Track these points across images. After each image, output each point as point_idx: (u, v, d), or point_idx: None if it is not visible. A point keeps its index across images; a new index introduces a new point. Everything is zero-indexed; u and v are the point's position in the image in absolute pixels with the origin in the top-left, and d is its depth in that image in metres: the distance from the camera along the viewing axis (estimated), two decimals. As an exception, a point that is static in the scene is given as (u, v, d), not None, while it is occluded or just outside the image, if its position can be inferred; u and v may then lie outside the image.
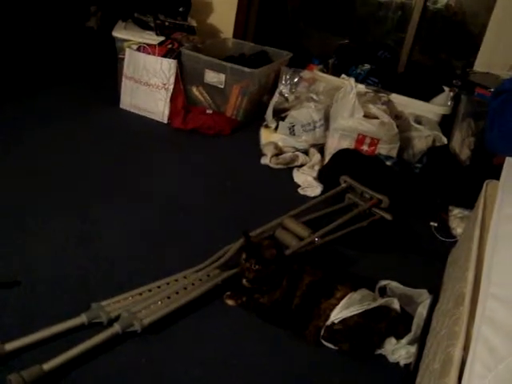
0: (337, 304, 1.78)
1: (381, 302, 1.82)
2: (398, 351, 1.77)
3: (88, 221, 2.25)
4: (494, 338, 0.92)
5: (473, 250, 1.33)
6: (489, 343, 0.92)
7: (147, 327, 1.68)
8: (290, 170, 2.92)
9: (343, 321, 1.75)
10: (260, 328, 1.83)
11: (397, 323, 1.80)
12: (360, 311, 1.76)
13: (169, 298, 1.81)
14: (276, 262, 1.81)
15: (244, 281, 1.81)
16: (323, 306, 1.80)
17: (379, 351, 1.79)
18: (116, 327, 1.64)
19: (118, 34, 3.40)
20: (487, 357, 0.89)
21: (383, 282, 2.02)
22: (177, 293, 1.84)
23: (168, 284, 1.89)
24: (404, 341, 1.77)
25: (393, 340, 1.78)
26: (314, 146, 3.05)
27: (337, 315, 1.76)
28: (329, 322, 1.77)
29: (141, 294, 1.82)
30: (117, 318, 1.69)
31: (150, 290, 1.85)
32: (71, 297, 1.81)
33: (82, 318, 1.67)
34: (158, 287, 1.87)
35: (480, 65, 3.50)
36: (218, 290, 1.91)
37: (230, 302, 1.90)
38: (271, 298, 1.82)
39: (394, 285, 2.02)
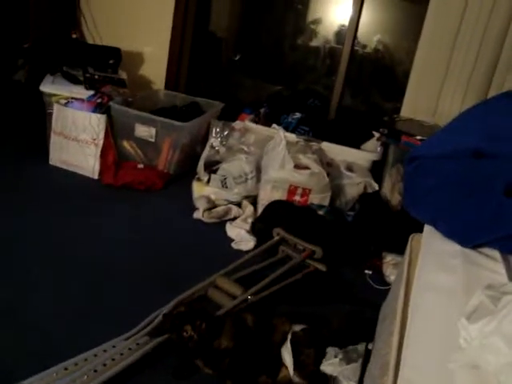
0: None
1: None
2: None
3: (2, 289, 2.14)
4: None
5: (397, 314, 1.32)
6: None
7: (72, 406, 1.60)
8: (224, 223, 2.90)
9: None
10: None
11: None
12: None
13: (95, 371, 1.72)
14: None
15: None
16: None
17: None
18: (37, 410, 1.55)
19: (45, 88, 3.34)
20: None
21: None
22: (104, 365, 1.76)
23: (96, 356, 1.80)
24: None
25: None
26: (246, 198, 3.05)
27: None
28: None
29: (66, 368, 1.73)
30: (40, 399, 1.60)
31: (76, 364, 1.75)
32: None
33: (1, 402, 1.58)
34: (85, 360, 1.78)
35: (406, 110, 3.60)
36: (148, 359, 1.84)
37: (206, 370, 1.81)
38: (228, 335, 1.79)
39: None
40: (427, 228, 1.52)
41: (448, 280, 1.18)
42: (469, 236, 1.36)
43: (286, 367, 1.79)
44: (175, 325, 1.78)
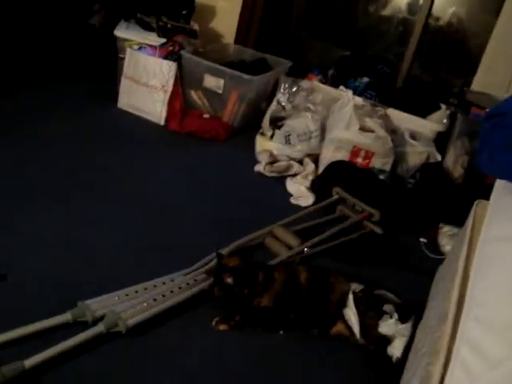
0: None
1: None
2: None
3: (76, 220, 2.24)
4: (470, 359, 0.92)
5: (458, 270, 1.34)
6: (466, 364, 0.92)
7: (132, 328, 1.67)
8: (284, 178, 2.92)
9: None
10: (248, 336, 1.82)
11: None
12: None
13: (155, 300, 1.80)
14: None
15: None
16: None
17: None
18: (100, 327, 1.63)
19: (119, 33, 3.41)
20: (463, 377, 0.90)
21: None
22: (163, 295, 1.83)
23: (155, 286, 1.88)
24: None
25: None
26: (308, 155, 3.06)
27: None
28: None
29: (127, 294, 1.81)
30: (102, 318, 1.68)
31: (136, 292, 1.84)
32: (57, 294, 1.80)
33: (67, 316, 1.66)
34: (145, 289, 1.86)
35: (477, 84, 3.51)
36: (204, 295, 1.90)
37: (222, 327, 1.83)
38: (271, 295, 1.81)
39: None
40: (498, 185, 1.51)
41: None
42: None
43: (342, 323, 1.83)
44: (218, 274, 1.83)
